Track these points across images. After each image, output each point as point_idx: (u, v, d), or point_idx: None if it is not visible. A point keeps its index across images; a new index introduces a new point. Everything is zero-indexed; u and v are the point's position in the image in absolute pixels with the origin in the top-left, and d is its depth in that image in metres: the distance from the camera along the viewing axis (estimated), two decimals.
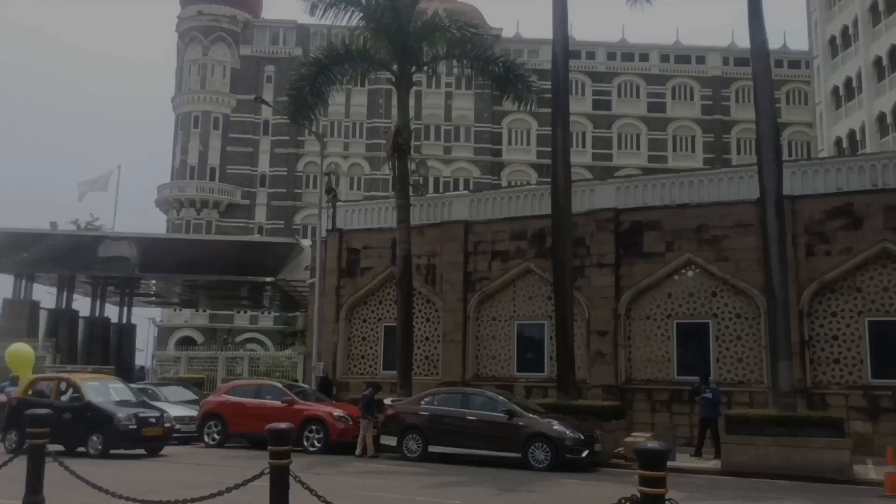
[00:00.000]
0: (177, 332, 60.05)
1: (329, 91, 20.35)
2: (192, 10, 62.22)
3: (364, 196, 62.52)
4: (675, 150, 63.40)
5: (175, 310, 58.76)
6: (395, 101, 59.91)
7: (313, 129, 22.32)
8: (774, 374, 15.53)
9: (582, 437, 14.64)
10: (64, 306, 35.94)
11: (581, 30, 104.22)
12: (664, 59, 64.54)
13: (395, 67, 20.40)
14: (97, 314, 39.69)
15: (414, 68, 20.53)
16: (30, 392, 16.04)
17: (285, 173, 61.74)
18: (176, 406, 19.67)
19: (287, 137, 61.82)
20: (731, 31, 77.78)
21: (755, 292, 18.70)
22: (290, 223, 61.26)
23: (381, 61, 20.46)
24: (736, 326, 19.18)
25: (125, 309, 43.31)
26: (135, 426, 15.19)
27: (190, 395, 21.95)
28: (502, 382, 20.94)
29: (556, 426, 14.65)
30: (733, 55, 64.61)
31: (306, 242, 32.27)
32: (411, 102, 62.10)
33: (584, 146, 63.30)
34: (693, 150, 63.35)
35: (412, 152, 20.68)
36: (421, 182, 25.70)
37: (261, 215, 61.56)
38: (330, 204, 24.83)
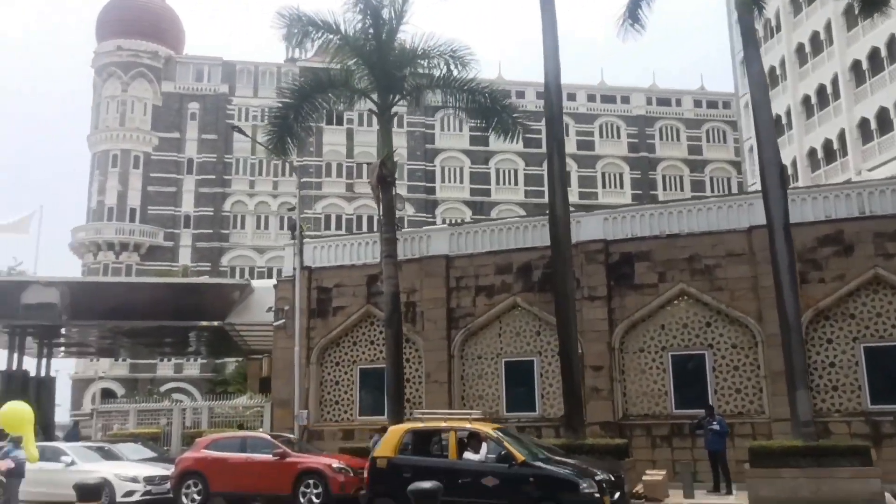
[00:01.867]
0: (94, 384, 55.91)
1: (313, 119, 19.24)
2: (110, 44, 59.51)
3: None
4: (604, 186, 64.68)
5: (91, 360, 54.87)
6: (327, 137, 59.84)
7: (290, 159, 20.91)
8: (793, 405, 15.23)
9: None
10: None
11: (511, 70, 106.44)
12: (591, 98, 66.13)
13: (375, 97, 19.50)
14: (14, 367, 36.30)
15: (397, 97, 19.68)
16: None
17: (211, 213, 59.26)
18: (141, 465, 17.71)
19: (213, 176, 59.60)
20: (653, 73, 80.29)
21: (751, 321, 18.57)
22: (217, 265, 58.68)
23: (363, 90, 19.51)
24: (733, 357, 18.96)
25: (44, 360, 39.99)
26: None
27: (149, 453, 19.90)
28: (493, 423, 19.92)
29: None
30: (655, 95, 67.03)
31: (259, 283, 30.51)
32: (342, 139, 60.65)
33: (515, 183, 63.83)
34: (622, 187, 64.80)
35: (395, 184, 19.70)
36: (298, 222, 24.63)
37: (185, 257, 58.62)
38: (296, 241, 23.44)
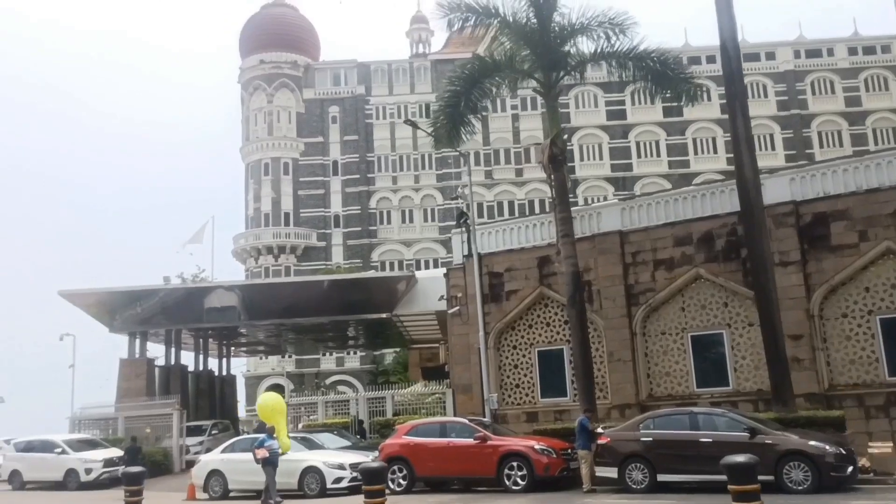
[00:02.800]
0: (265, 380, 59.39)
1: (483, 105, 19.27)
2: (253, 59, 62.67)
3: (440, 226, 61.78)
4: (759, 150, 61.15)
5: (260, 358, 58.21)
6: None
7: (458, 148, 21.08)
8: None
9: (843, 453, 12.96)
10: (173, 362, 35.34)
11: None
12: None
13: (539, 76, 19.25)
14: (201, 368, 39.14)
15: (561, 74, 19.35)
16: None
17: (358, 211, 61.19)
18: (343, 453, 18.52)
19: (357, 175, 61.52)
20: (798, 23, 74.79)
21: None
22: (368, 261, 60.53)
23: (527, 71, 19.31)
24: None
25: (224, 360, 42.89)
26: None
27: (345, 442, 20.80)
28: (681, 400, 19.29)
29: (813, 442, 13.00)
30: (804, 47, 62.66)
31: (422, 274, 31.14)
32: (479, 127, 60.83)
33: (658, 155, 61.70)
34: (773, 149, 61.12)
35: (566, 163, 19.38)
36: (466, 209, 24.32)
37: (338, 256, 60.94)
38: (463, 229, 23.67)
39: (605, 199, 55.55)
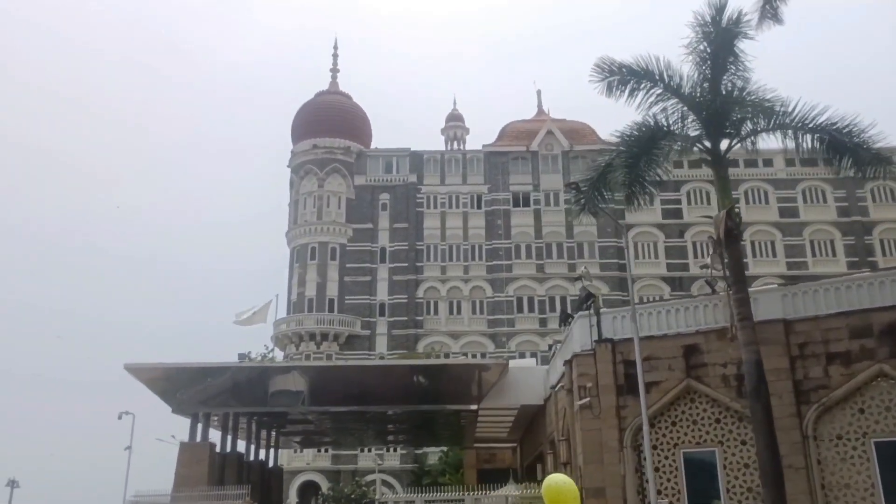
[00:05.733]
0: (298, 476, 55.77)
1: (652, 171, 17.65)
2: (306, 144, 62.42)
3: (488, 319, 59.49)
4: (813, 255, 59.67)
5: (294, 451, 54.84)
6: (515, 220, 59.25)
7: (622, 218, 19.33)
8: None
9: None
10: (228, 449, 32.56)
11: None
12: (789, 163, 61.96)
13: (707, 144, 17.70)
14: (252, 456, 36.26)
15: (733, 142, 17.81)
16: None
17: (405, 300, 59.20)
18: None
19: (405, 263, 59.93)
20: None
21: None
22: (413, 352, 58.03)
23: (695, 138, 17.78)
24: None
25: (272, 450, 39.94)
26: None
27: None
28: None
29: None
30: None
31: (514, 363, 28.81)
32: (530, 220, 59.15)
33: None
34: (834, 255, 59.52)
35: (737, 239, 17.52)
36: (589, 290, 22.53)
37: (381, 345, 58.56)
38: (591, 311, 21.60)
39: (661, 298, 53.50)
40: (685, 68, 17.85)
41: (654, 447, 19.97)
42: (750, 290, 19.54)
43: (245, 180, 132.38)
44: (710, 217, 18.19)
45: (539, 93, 69.45)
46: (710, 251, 18.18)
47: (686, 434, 19.75)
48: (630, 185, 17.15)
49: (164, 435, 34.54)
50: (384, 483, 55.34)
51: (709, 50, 17.53)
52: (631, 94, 18.08)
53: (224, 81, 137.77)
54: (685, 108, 17.81)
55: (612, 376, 20.51)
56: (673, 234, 60.58)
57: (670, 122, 17.77)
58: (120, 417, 36.39)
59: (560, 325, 30.74)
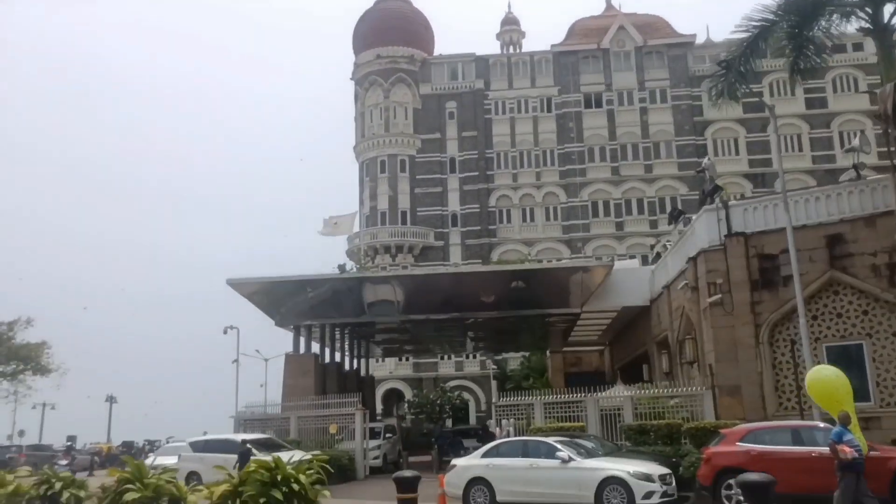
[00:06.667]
0: (382, 384, 56.87)
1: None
2: (369, 54, 60.77)
3: (563, 225, 58.55)
4: None
5: (377, 360, 55.74)
6: (587, 121, 56.98)
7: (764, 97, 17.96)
8: None
9: None
10: (327, 360, 32.98)
11: None
12: None
13: (868, 11, 16.05)
14: (348, 366, 36.81)
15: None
16: None
17: (477, 210, 58.43)
18: (642, 462, 15.55)
19: (475, 173, 58.87)
20: None
21: None
22: (487, 261, 57.66)
23: (858, 3, 16.14)
24: None
25: (363, 360, 40.49)
26: None
27: (611, 447, 17.86)
28: None
29: None
30: None
31: (624, 263, 28.03)
32: (603, 121, 56.54)
33: (800, 150, 57.23)
34: None
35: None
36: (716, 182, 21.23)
37: (455, 256, 58.29)
38: (719, 204, 20.50)
39: (742, 196, 51.34)
40: None
41: (794, 342, 19.17)
42: None
43: (309, 95, 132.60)
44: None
45: None
46: (859, 134, 16.69)
47: (830, 328, 18.86)
48: (798, 50, 15.67)
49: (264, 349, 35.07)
50: (466, 389, 56.27)
51: None
52: None
53: None
54: None
55: (745, 271, 19.58)
56: (755, 129, 57.73)
57: None
58: (225, 332, 37.08)
59: (669, 223, 29.63)
